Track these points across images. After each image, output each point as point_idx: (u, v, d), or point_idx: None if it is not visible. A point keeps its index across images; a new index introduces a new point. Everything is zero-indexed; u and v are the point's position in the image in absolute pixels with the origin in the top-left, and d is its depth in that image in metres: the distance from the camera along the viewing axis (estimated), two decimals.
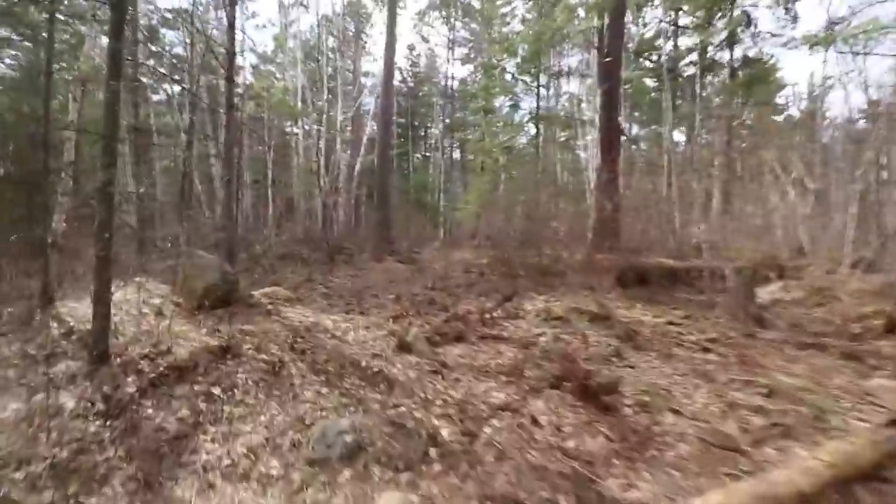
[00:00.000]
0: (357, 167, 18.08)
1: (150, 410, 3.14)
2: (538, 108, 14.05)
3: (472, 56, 31.99)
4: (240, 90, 20.77)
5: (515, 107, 13.84)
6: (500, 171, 15.34)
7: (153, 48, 17.20)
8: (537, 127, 14.20)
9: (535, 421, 3.05)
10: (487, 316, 5.21)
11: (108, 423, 2.81)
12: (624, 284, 6.62)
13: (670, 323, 4.69)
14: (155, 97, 21.58)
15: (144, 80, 16.64)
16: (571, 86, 25.17)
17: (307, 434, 2.92)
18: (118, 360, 3.74)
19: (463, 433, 2.89)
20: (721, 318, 4.75)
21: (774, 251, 6.63)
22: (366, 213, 20.36)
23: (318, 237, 12.95)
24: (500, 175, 15.32)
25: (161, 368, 3.58)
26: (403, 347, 4.16)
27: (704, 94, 15.80)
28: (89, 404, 2.95)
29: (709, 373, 3.63)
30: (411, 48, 29.99)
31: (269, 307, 5.75)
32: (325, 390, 3.49)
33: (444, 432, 2.90)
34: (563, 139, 15.66)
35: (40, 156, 5.87)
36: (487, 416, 3.11)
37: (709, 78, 15.78)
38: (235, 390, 3.52)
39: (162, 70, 11.42)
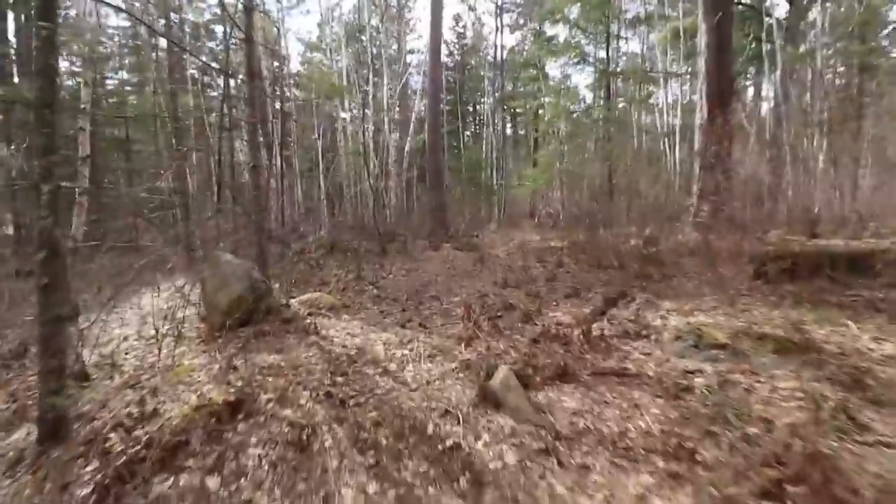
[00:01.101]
0: (407, 147, 16.74)
1: None
2: (608, 63, 11.86)
3: (522, 22, 29.45)
4: (287, 78, 19.96)
5: (583, 62, 11.74)
6: (563, 141, 13.42)
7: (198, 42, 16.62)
8: (608, 86, 12.05)
9: None
10: (595, 333, 3.65)
11: None
12: (767, 278, 4.77)
13: None
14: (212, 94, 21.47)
15: (193, 71, 16.13)
16: (632, 45, 22.18)
17: None
18: (87, 427, 2.62)
19: None
20: None
21: None
22: (418, 195, 19.07)
23: (369, 225, 11.78)
24: (563, 146, 13.41)
25: (139, 446, 2.40)
26: (488, 398, 2.73)
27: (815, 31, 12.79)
28: None
29: None
30: (457, 19, 27.91)
31: (308, 321, 4.53)
32: (373, 487, 2.14)
33: None
34: (640, 99, 13.39)
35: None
36: None
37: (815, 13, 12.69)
38: (243, 480, 2.26)
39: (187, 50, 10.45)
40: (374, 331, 4.30)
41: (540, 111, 27.68)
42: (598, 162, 11.85)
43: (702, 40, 7.49)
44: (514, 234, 14.37)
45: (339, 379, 3.16)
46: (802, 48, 14.05)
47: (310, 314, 4.79)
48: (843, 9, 11.73)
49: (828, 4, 11.39)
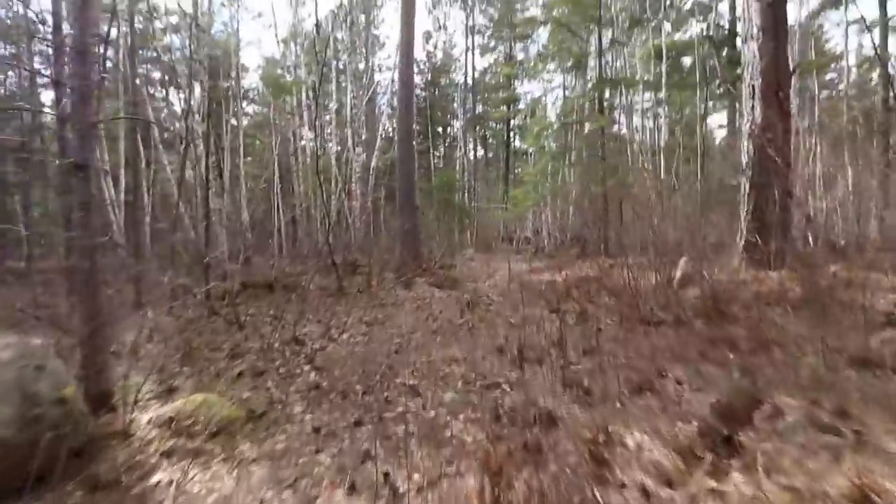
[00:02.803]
0: (373, 164, 14.60)
1: None
2: (600, 70, 10.24)
3: (493, 45, 28.50)
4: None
5: (577, 67, 10.12)
6: (554, 156, 11.69)
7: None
8: (600, 98, 10.42)
9: None
10: None
11: None
12: None
13: None
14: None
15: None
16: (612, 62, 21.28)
17: None
18: None
19: None
20: None
21: None
22: (385, 218, 16.83)
23: (324, 254, 9.42)
24: (556, 161, 11.67)
25: None
26: None
27: None
28: None
29: None
30: (427, 36, 26.39)
31: (152, 482, 2.14)
32: None
33: None
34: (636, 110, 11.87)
35: None
36: None
37: None
38: None
39: None
40: None
41: (517, 131, 26.41)
42: (592, 180, 10.07)
43: (752, 24, 5.81)
44: (494, 262, 12.34)
45: None
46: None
47: (167, 455, 2.39)
48: None
49: None
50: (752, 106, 5.72)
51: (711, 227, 7.48)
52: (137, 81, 12.90)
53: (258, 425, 2.79)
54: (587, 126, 10.95)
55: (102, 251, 2.67)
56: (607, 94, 12.27)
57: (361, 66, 21.45)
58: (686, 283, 5.71)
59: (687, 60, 15.68)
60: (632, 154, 11.63)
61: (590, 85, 10.24)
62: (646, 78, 12.95)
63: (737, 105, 14.98)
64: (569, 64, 11.10)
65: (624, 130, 12.58)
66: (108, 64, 15.36)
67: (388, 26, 42.45)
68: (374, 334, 4.85)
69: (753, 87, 5.70)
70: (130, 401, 2.69)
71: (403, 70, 9.60)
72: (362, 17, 22.12)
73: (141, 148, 13.60)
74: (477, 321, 5.15)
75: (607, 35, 10.43)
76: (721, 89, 15.02)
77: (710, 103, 15.60)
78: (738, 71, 13.52)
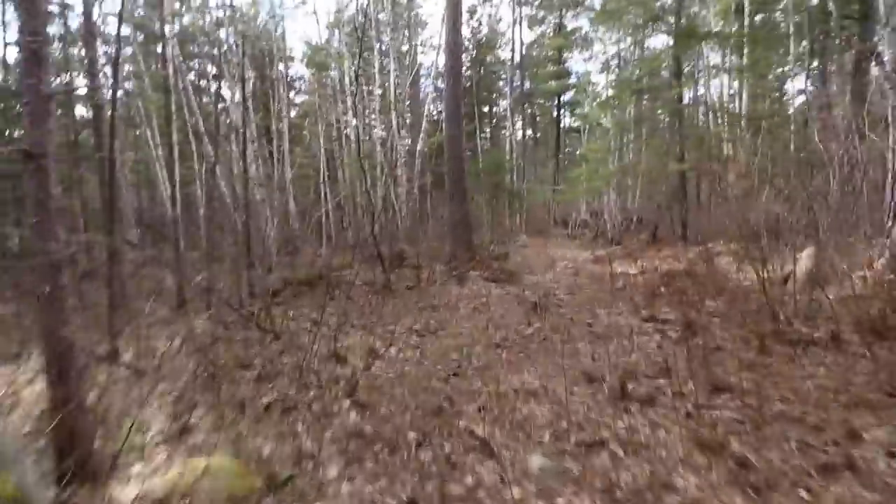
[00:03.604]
0: (419, 147, 13.77)
1: None
2: (678, 25, 8.47)
3: (542, 16, 26.46)
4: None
5: (652, 22, 8.48)
6: (627, 127, 10.26)
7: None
8: (678, 58, 8.73)
9: None
10: None
11: None
12: None
13: None
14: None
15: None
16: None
17: None
18: None
19: None
20: None
21: None
22: (433, 205, 16.01)
23: (369, 245, 8.74)
24: (625, 136, 10.25)
25: None
26: None
27: None
28: None
29: None
30: (472, 11, 24.75)
31: None
32: None
33: None
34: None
35: None
36: None
37: None
38: None
39: None
40: None
41: (568, 107, 24.64)
42: (668, 156, 8.61)
43: None
44: (549, 248, 11.22)
45: None
46: None
47: None
48: None
49: None
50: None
51: (827, 209, 5.98)
52: (172, 70, 12.69)
53: (279, 501, 2.04)
54: (656, 96, 9.42)
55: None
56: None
57: (405, 47, 20.49)
58: (815, 282, 4.40)
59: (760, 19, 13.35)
60: (713, 125, 9.91)
61: (658, 48, 8.68)
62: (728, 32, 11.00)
63: (828, 68, 12.53)
64: (640, 22, 9.41)
65: (698, 99, 10.80)
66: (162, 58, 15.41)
67: (432, 2, 40.77)
68: (427, 348, 4.03)
69: None
70: (114, 460, 2.01)
71: (450, 35, 8.51)
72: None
73: (193, 142, 13.52)
74: (549, 331, 4.18)
75: None
76: (808, 48, 12.64)
77: (788, 67, 13.25)
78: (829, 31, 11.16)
